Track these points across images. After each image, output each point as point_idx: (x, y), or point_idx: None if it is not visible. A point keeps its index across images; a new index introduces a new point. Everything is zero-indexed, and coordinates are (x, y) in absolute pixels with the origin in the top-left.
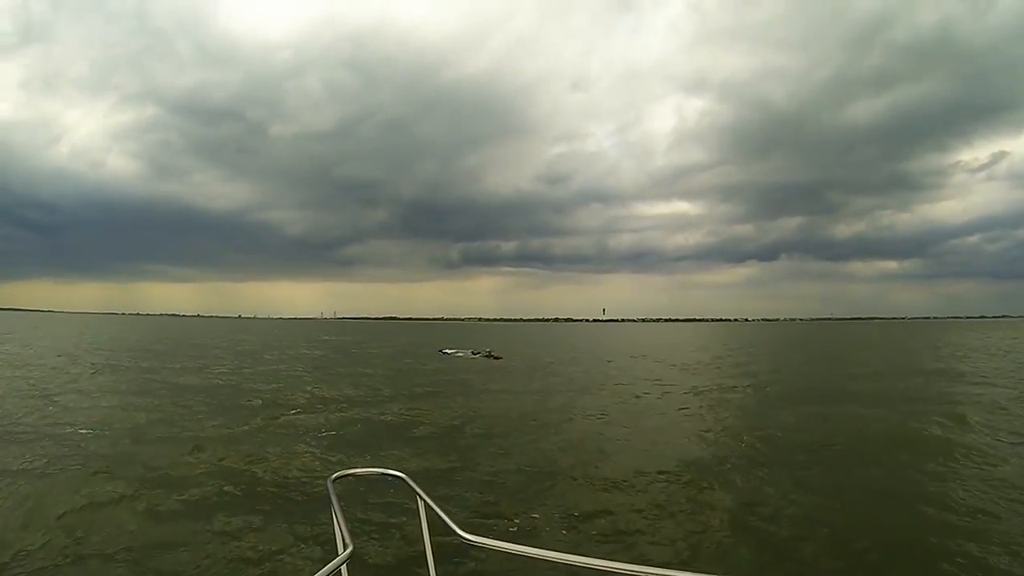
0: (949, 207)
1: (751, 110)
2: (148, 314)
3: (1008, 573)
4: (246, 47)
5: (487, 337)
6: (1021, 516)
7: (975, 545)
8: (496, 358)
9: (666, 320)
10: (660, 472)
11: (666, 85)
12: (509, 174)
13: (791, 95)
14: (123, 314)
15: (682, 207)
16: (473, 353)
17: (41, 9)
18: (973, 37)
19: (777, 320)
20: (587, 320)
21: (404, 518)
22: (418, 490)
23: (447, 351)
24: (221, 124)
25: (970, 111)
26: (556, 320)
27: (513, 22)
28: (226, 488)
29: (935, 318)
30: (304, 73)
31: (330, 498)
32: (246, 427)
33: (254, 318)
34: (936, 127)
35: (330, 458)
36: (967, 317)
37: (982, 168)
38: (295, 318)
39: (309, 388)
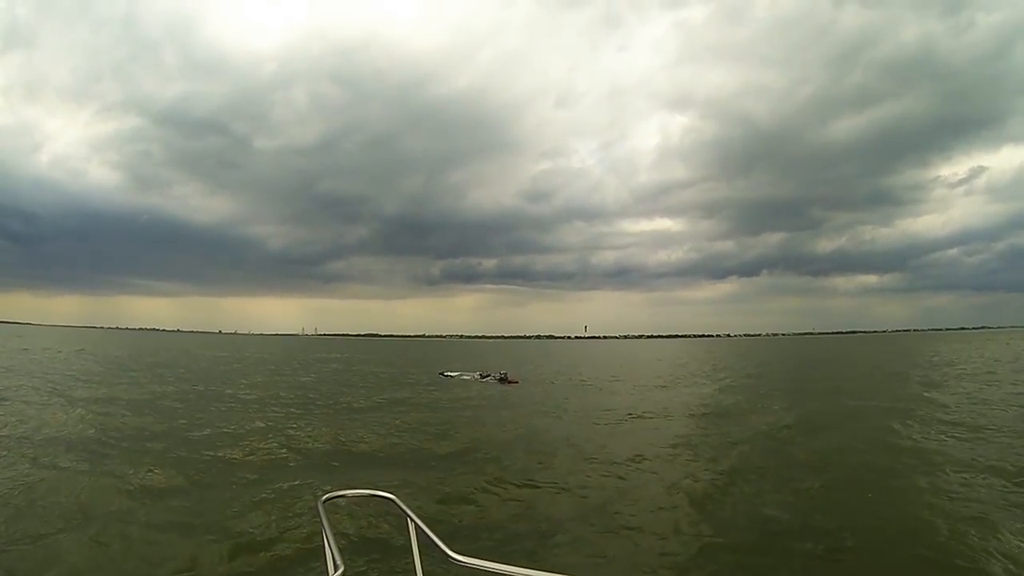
0: (929, 221)
1: (734, 127)
2: (128, 328)
3: None
4: (233, 58)
5: (476, 355)
6: None
7: None
8: (511, 382)
9: (648, 337)
10: None
11: (650, 102)
12: (492, 191)
13: (774, 112)
14: (103, 328)
15: (664, 224)
16: (481, 376)
17: (26, 13)
18: (953, 55)
19: (759, 335)
20: (569, 337)
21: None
22: (408, 511)
23: (449, 373)
24: (204, 136)
25: (950, 127)
26: (538, 337)
27: (502, 38)
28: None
29: (916, 330)
30: (290, 86)
31: (320, 519)
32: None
33: (235, 334)
34: (917, 143)
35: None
36: (947, 329)
37: (961, 183)
38: (276, 334)
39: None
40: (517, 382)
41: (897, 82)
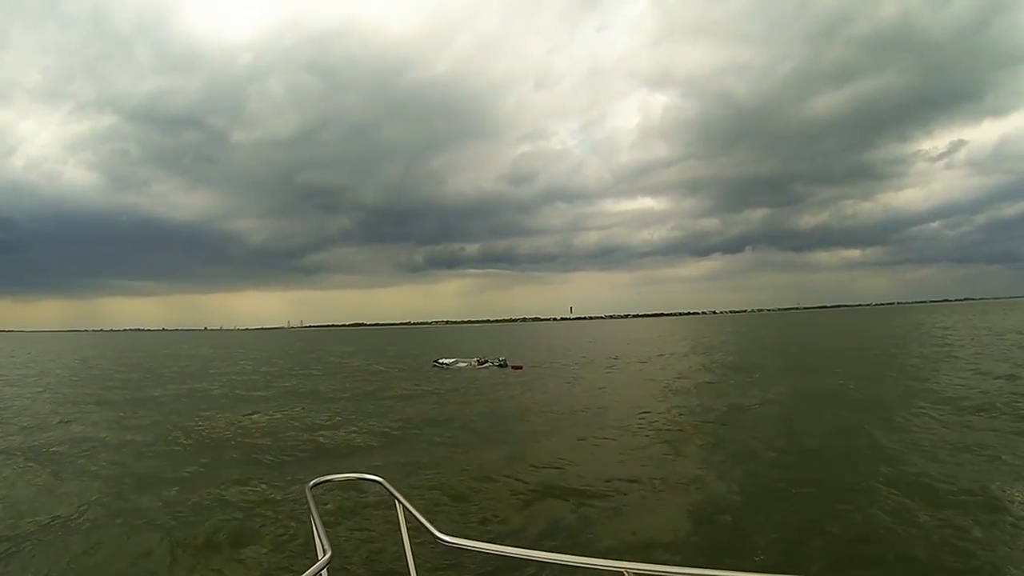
0: (910, 195)
1: (715, 105)
2: (112, 330)
3: None
4: (207, 51)
5: (466, 341)
6: None
7: None
8: (515, 367)
9: (634, 316)
10: None
11: (630, 81)
12: (473, 175)
13: (755, 89)
14: (87, 331)
15: (647, 203)
16: (479, 363)
17: None
18: (932, 29)
19: (744, 311)
20: (555, 319)
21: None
22: (396, 493)
23: (444, 361)
24: (181, 132)
25: (930, 101)
26: (524, 320)
27: (478, 21)
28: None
29: (899, 303)
30: (266, 77)
31: (308, 505)
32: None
33: (220, 330)
34: (897, 117)
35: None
36: (930, 301)
37: (942, 156)
38: (262, 328)
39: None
40: (522, 367)
41: (877, 57)
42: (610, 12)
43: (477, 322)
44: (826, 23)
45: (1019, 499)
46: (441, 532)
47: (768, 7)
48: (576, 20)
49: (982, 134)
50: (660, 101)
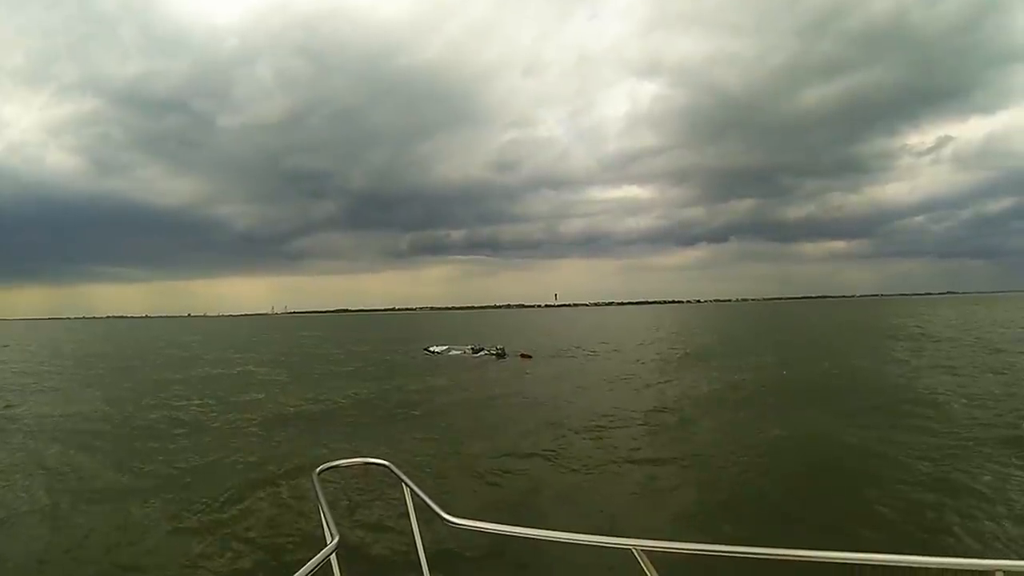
0: (896, 189)
1: (704, 95)
2: (96, 317)
3: None
4: (193, 34)
5: (454, 328)
6: None
7: None
8: (525, 356)
9: (619, 304)
10: None
11: (619, 70)
12: (459, 162)
13: (744, 80)
14: (70, 319)
15: (633, 191)
16: (474, 351)
17: None
18: (924, 26)
19: (729, 301)
20: (539, 306)
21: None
22: (403, 477)
23: (435, 349)
24: (165, 116)
25: (918, 97)
26: (508, 307)
27: (470, 7)
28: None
29: (883, 295)
30: (253, 61)
31: (315, 490)
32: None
33: (204, 316)
34: (886, 112)
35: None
36: (914, 294)
37: (929, 152)
38: (246, 315)
39: None
40: (531, 357)
41: (868, 52)
42: (601, 0)
43: (461, 308)
44: (818, 16)
45: None
46: (449, 514)
47: None
48: (567, 7)
49: (969, 131)
50: (649, 90)
